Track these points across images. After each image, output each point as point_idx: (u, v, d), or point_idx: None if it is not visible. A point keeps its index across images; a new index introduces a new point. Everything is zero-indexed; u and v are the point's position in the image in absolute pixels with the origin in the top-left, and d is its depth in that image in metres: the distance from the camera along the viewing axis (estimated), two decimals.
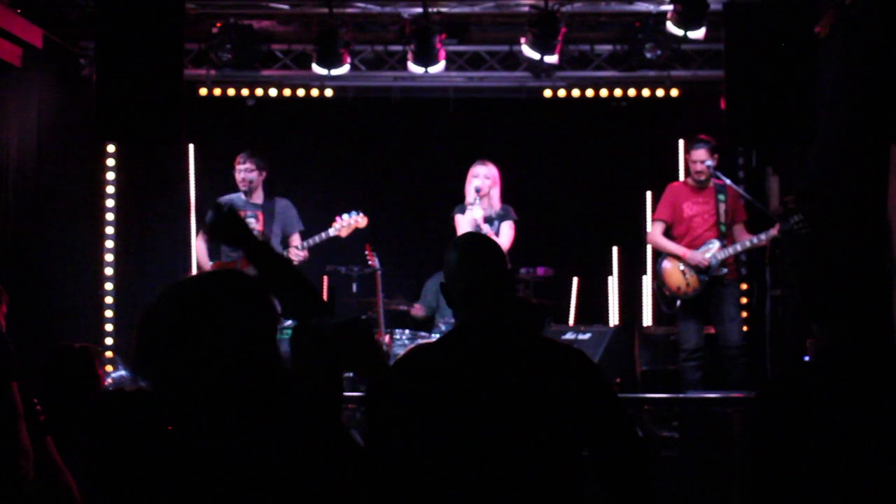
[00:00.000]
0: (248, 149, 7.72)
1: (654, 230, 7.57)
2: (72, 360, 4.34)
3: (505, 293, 2.87)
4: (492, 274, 2.84)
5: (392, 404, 2.71)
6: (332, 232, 7.56)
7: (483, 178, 7.18)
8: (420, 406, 2.69)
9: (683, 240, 7.37)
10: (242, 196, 7.65)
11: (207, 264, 7.68)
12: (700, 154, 7.33)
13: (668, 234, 7.48)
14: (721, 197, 7.32)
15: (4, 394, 3.72)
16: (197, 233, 8.15)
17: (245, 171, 7.59)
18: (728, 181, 7.48)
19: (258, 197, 7.67)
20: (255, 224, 7.61)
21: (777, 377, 5.17)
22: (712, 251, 7.22)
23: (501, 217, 7.23)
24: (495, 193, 7.22)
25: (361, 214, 7.61)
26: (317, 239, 7.56)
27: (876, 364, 2.80)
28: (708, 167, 7.30)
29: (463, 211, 7.16)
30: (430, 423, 2.67)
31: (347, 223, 7.56)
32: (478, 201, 7.07)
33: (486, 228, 7.00)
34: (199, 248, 7.80)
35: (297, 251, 7.52)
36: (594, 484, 2.75)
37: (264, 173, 7.66)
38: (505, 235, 7.09)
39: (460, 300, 2.84)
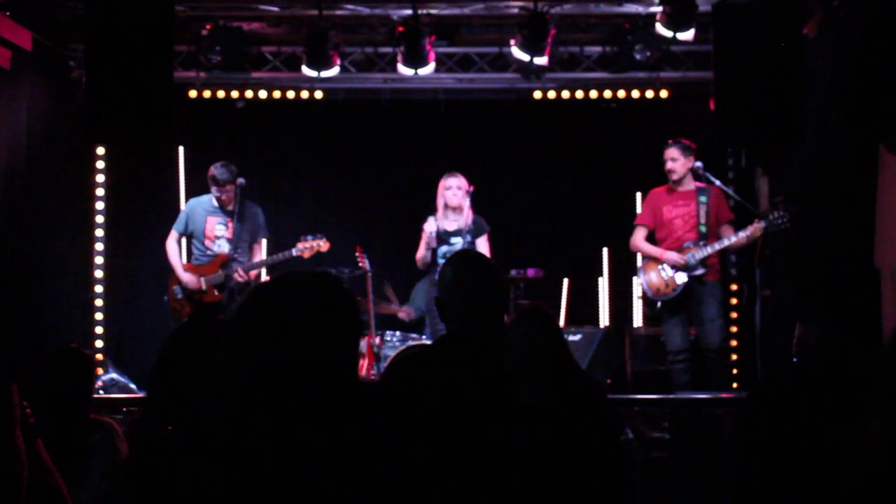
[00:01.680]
0: (222, 160, 7.61)
1: (635, 235, 7.55)
2: (75, 362, 4.30)
3: (499, 308, 2.89)
4: (487, 289, 2.86)
5: (385, 411, 2.70)
6: (294, 252, 7.52)
7: (455, 189, 7.21)
8: (410, 415, 2.68)
9: (665, 242, 7.37)
10: (214, 202, 7.63)
11: (179, 266, 7.65)
12: (669, 153, 7.33)
13: (650, 238, 7.48)
14: (703, 199, 7.28)
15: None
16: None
17: (226, 192, 7.53)
18: (717, 182, 7.48)
19: (230, 203, 7.61)
20: (224, 231, 7.59)
21: (767, 378, 5.19)
22: (690, 250, 7.21)
23: (475, 232, 7.26)
24: (466, 204, 7.25)
25: (325, 239, 7.58)
26: (279, 257, 7.54)
27: (863, 365, 2.81)
28: (693, 169, 7.31)
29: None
30: (420, 432, 2.67)
31: (310, 245, 7.53)
32: (435, 216, 7.28)
33: (432, 243, 7.20)
34: (171, 250, 7.72)
35: (240, 275, 7.43)
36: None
37: (238, 180, 7.59)
38: (482, 250, 7.09)
39: (454, 314, 2.85)
